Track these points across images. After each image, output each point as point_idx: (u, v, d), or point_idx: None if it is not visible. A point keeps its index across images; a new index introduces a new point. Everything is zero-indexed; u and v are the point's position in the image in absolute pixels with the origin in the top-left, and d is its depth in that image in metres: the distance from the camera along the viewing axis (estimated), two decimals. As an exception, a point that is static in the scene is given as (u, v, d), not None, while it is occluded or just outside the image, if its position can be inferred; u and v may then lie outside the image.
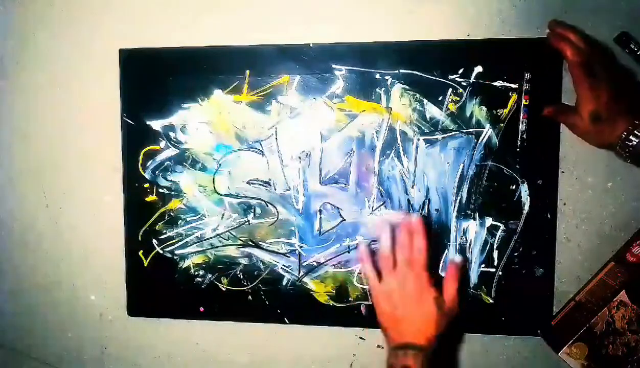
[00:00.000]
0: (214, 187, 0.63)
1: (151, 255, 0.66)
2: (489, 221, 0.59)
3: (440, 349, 0.54)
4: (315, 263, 0.63)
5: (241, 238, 0.64)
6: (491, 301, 0.61)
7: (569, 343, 0.56)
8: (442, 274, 0.60)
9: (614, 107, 0.51)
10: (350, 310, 0.63)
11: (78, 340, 0.71)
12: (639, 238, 0.56)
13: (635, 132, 0.50)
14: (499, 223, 0.59)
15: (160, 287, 0.66)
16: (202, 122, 0.63)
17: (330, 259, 0.63)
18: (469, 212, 0.60)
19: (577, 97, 0.53)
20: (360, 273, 0.62)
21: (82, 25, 0.66)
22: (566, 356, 0.57)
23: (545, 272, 0.59)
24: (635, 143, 0.50)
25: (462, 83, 0.58)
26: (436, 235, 0.60)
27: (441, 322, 0.53)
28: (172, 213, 0.65)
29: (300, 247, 0.63)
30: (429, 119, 0.59)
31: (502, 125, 0.58)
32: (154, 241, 0.65)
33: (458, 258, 0.58)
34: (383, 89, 0.59)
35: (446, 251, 0.60)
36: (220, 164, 0.63)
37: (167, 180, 0.64)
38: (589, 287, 0.58)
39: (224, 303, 0.65)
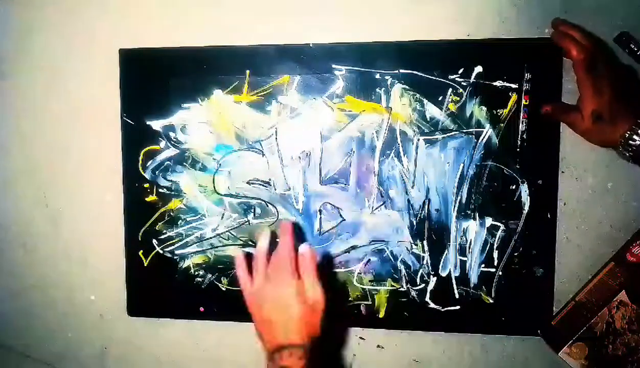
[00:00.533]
0: (214, 187, 0.63)
1: (151, 255, 0.65)
2: (489, 221, 0.59)
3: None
4: (315, 263, 0.63)
5: (241, 238, 0.64)
6: (491, 301, 0.61)
7: (569, 343, 0.56)
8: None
9: (617, 107, 0.51)
10: (350, 310, 0.63)
11: (78, 340, 0.71)
12: (639, 238, 0.56)
13: (639, 131, 0.50)
14: (499, 223, 0.59)
15: (160, 287, 0.66)
16: (202, 122, 0.63)
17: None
18: (469, 212, 0.60)
19: (580, 96, 0.53)
20: (360, 274, 0.62)
21: (82, 25, 0.65)
22: (566, 356, 0.57)
23: (545, 272, 0.59)
24: (638, 143, 0.50)
25: (462, 83, 0.58)
26: (437, 235, 0.60)
27: (308, 316, 0.50)
28: (172, 213, 0.65)
29: (300, 247, 0.63)
30: (429, 119, 0.59)
31: (502, 125, 0.58)
32: (154, 241, 0.65)
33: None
34: (383, 89, 0.59)
35: (446, 251, 0.60)
36: (220, 164, 0.63)
37: (167, 180, 0.64)
38: (589, 287, 0.58)
39: (224, 303, 0.65)
